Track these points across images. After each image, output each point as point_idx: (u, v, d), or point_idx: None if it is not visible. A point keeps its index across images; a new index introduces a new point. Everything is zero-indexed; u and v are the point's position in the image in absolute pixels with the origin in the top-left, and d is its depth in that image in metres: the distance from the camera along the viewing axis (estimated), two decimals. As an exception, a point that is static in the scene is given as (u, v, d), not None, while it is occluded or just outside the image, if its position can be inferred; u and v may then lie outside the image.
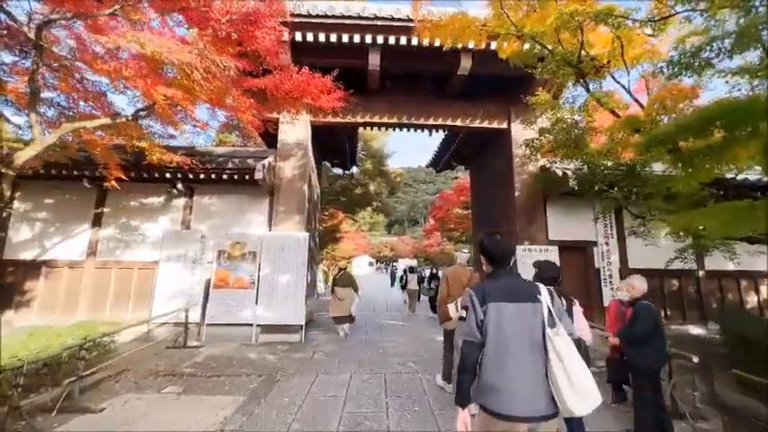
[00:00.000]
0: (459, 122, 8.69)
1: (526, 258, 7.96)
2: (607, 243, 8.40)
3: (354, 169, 18.01)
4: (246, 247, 7.77)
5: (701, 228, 4.58)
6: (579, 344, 1.97)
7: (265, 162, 7.40)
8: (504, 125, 8.76)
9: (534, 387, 1.79)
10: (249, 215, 8.11)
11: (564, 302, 2.61)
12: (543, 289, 1.97)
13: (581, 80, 4.67)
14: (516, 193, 8.36)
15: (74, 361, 4.43)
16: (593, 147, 5.91)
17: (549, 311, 1.89)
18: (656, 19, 3.96)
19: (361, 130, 15.24)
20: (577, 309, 2.86)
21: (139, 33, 3.54)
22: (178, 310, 7.05)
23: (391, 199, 19.70)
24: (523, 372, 1.80)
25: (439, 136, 11.32)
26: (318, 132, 9.88)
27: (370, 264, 49.93)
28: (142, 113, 5.52)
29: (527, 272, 8.24)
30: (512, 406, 1.76)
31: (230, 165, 7.16)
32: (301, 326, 7.45)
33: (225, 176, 7.30)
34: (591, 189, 6.60)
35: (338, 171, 16.30)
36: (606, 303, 8.10)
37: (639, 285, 3.69)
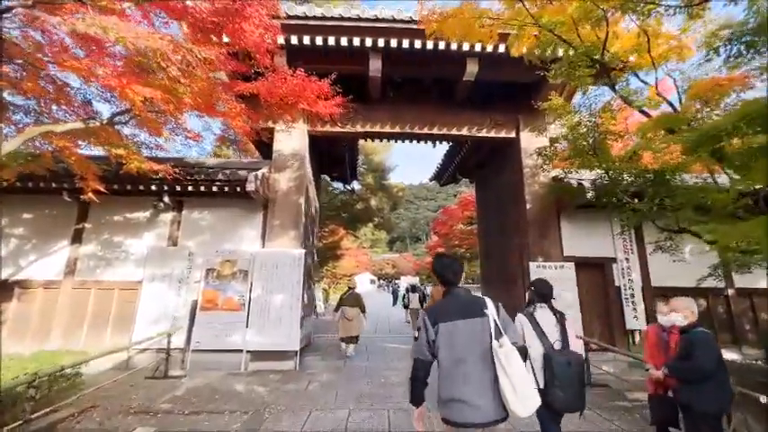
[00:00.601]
0: (464, 132, 8.22)
1: (539, 276, 7.31)
2: (627, 259, 7.78)
3: (355, 185, 17.60)
4: (237, 265, 7.18)
5: (741, 242, 4.04)
6: (524, 351, 2.17)
7: (258, 173, 6.89)
8: (513, 134, 8.29)
9: (485, 395, 1.99)
10: (241, 230, 7.55)
11: (557, 317, 2.92)
12: (489, 302, 2.19)
13: (606, 76, 4.18)
14: (527, 206, 7.80)
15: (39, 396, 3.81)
16: (615, 153, 5.38)
17: (496, 323, 2.10)
18: (694, 3, 3.48)
19: (361, 142, 14.85)
20: (569, 323, 2.98)
21: (101, 17, 3.10)
22: (161, 334, 6.41)
23: (393, 215, 19.09)
24: (475, 382, 2.01)
25: (443, 148, 10.96)
26: (317, 143, 9.43)
27: (372, 281, 48.99)
28: (121, 118, 5.05)
29: (541, 291, 7.63)
30: (466, 414, 1.98)
31: (220, 176, 6.65)
32: (296, 352, 6.79)
33: (215, 188, 6.78)
34: (611, 200, 6.04)
35: (339, 186, 15.87)
36: (629, 325, 7.43)
37: (695, 309, 3.09)
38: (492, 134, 8.27)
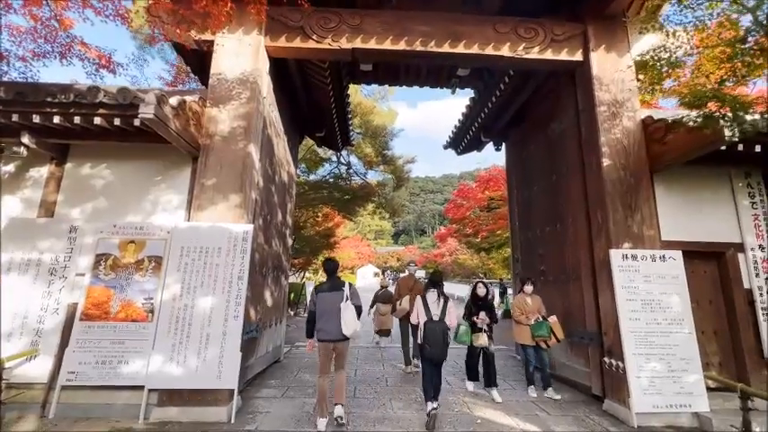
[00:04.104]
0: (505, 52, 5.40)
1: (626, 274, 4.59)
2: (762, 247, 4.98)
3: (354, 160, 14.84)
4: (146, 249, 4.51)
5: None
6: (359, 308, 4.04)
7: (174, 99, 4.17)
8: (578, 56, 5.47)
9: (335, 327, 3.87)
10: (158, 194, 4.85)
11: (442, 300, 4.31)
12: (347, 284, 4.13)
13: None
14: (603, 165, 5.00)
15: None
16: None
17: (346, 295, 3.98)
18: None
19: (356, 101, 12.03)
20: (450, 304, 4.35)
21: None
22: (7, 359, 3.81)
23: (397, 195, 16.15)
24: (331, 321, 3.90)
25: (458, 108, 8.13)
26: (289, 84, 6.68)
27: (376, 274, 46.46)
28: None
29: (625, 302, 4.93)
30: (326, 336, 3.93)
31: (102, 97, 3.92)
32: (231, 392, 4.12)
33: (98, 120, 4.06)
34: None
35: (326, 158, 13.11)
36: (771, 352, 4.65)
37: None
38: (547, 56, 5.44)
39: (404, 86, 7.76)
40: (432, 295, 4.35)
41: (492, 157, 54.58)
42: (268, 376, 5.79)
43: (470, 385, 5.37)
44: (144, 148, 4.74)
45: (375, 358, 7.26)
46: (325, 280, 4.26)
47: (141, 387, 4.04)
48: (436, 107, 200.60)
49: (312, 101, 7.54)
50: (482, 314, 5.11)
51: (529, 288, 5.49)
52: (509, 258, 15.21)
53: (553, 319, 5.25)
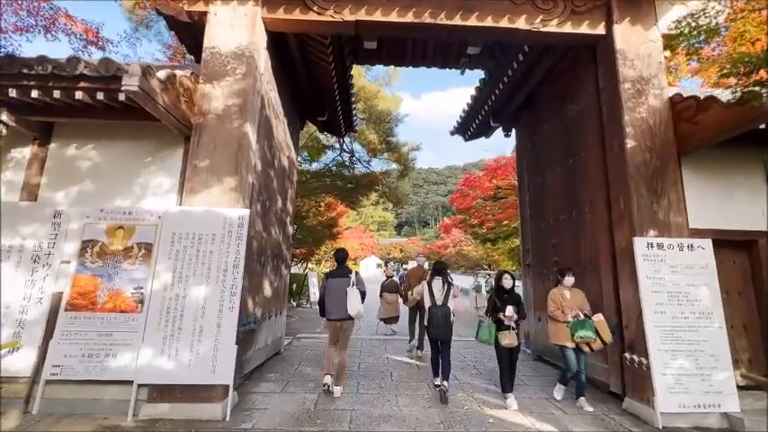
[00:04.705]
0: (521, 25, 5.00)
1: (651, 264, 4.26)
2: (798, 235, 4.62)
3: (357, 147, 14.42)
4: (135, 235, 4.22)
5: None
6: (363, 293, 4.58)
7: (162, 72, 3.83)
8: (600, 29, 5.06)
9: (342, 308, 4.42)
10: (147, 177, 4.54)
11: (446, 286, 4.66)
12: (353, 273, 4.63)
13: None
14: (627, 146, 4.63)
15: None
16: None
17: (353, 281, 4.52)
18: None
19: (359, 84, 11.62)
20: (453, 291, 4.71)
21: None
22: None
23: (401, 183, 15.69)
24: (338, 303, 4.45)
25: (463, 98, 7.70)
26: (290, 64, 6.31)
27: (378, 265, 46.40)
28: None
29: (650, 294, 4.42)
30: (334, 316, 4.50)
31: (82, 69, 3.59)
32: (226, 387, 3.85)
33: (79, 95, 3.73)
34: None
35: (327, 143, 12.69)
36: (809, 350, 4.31)
37: None
38: (566, 29, 5.03)
39: (410, 67, 7.37)
40: (437, 283, 4.74)
41: (498, 148, 54.07)
42: (267, 369, 5.54)
43: (512, 401, 4.33)
44: (132, 126, 4.42)
45: (379, 351, 7.00)
46: (333, 268, 4.85)
47: (130, 382, 3.78)
48: (440, 98, 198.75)
49: (313, 81, 7.15)
50: (509, 309, 4.38)
51: (569, 280, 4.65)
52: (515, 249, 14.85)
53: (598, 317, 4.41)
